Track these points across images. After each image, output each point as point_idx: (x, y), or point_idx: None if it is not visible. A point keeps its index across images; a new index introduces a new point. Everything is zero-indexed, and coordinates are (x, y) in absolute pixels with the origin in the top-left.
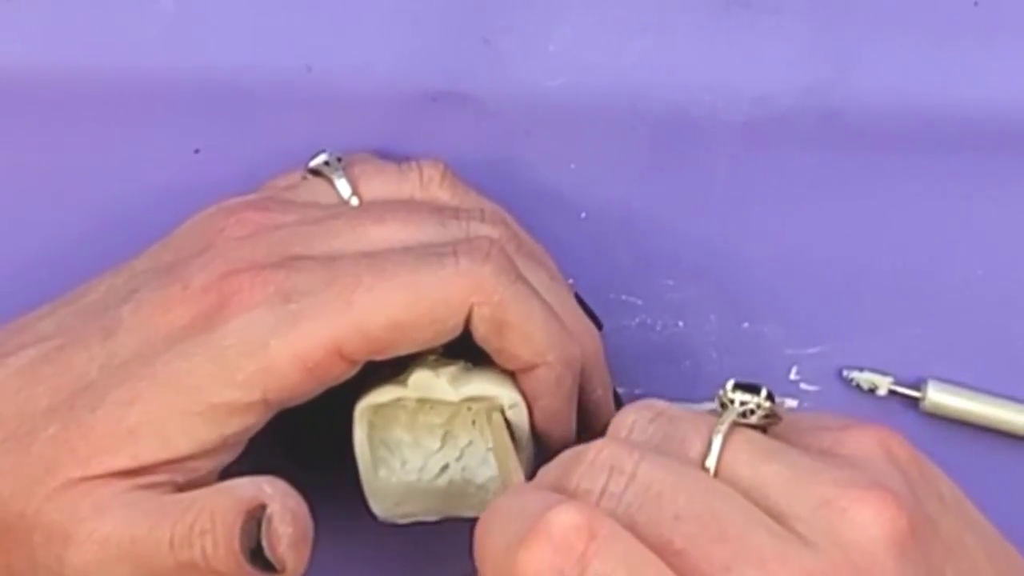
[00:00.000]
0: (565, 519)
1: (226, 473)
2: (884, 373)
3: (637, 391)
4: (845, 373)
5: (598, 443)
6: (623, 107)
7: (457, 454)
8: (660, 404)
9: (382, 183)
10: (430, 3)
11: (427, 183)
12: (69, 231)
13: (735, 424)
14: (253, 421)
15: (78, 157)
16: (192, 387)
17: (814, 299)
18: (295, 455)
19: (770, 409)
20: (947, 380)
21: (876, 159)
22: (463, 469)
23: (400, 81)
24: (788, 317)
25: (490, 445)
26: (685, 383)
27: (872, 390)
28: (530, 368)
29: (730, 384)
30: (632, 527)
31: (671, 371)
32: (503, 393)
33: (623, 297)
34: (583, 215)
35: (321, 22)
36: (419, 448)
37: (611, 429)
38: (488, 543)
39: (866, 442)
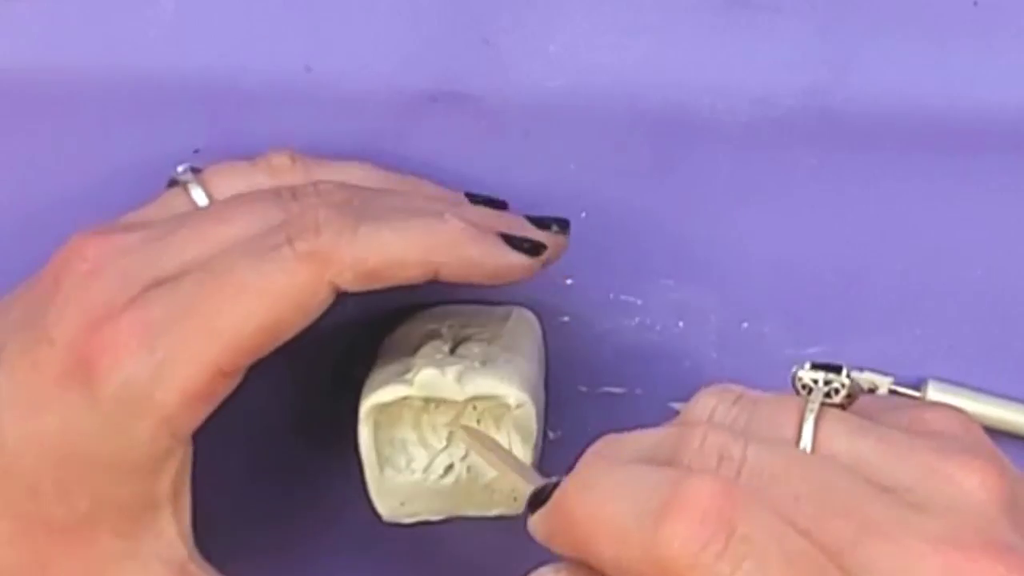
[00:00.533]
0: (704, 489)
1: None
2: (884, 373)
3: (637, 391)
4: None
5: (698, 428)
6: (623, 107)
7: (462, 453)
8: (737, 388)
9: (234, 181)
10: (430, 3)
11: (277, 170)
12: (69, 231)
13: (822, 404)
14: (173, 452)
15: (78, 157)
16: (93, 453)
17: (814, 299)
18: (300, 455)
19: (851, 387)
20: (947, 380)
21: (876, 159)
22: (468, 468)
23: (400, 81)
24: (788, 317)
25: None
26: (685, 383)
27: (872, 390)
28: (438, 271)
29: (808, 364)
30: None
31: (671, 371)
32: (510, 392)
33: (623, 297)
34: (583, 215)
35: (321, 22)
36: (424, 447)
37: (690, 412)
38: (607, 520)
39: (943, 417)
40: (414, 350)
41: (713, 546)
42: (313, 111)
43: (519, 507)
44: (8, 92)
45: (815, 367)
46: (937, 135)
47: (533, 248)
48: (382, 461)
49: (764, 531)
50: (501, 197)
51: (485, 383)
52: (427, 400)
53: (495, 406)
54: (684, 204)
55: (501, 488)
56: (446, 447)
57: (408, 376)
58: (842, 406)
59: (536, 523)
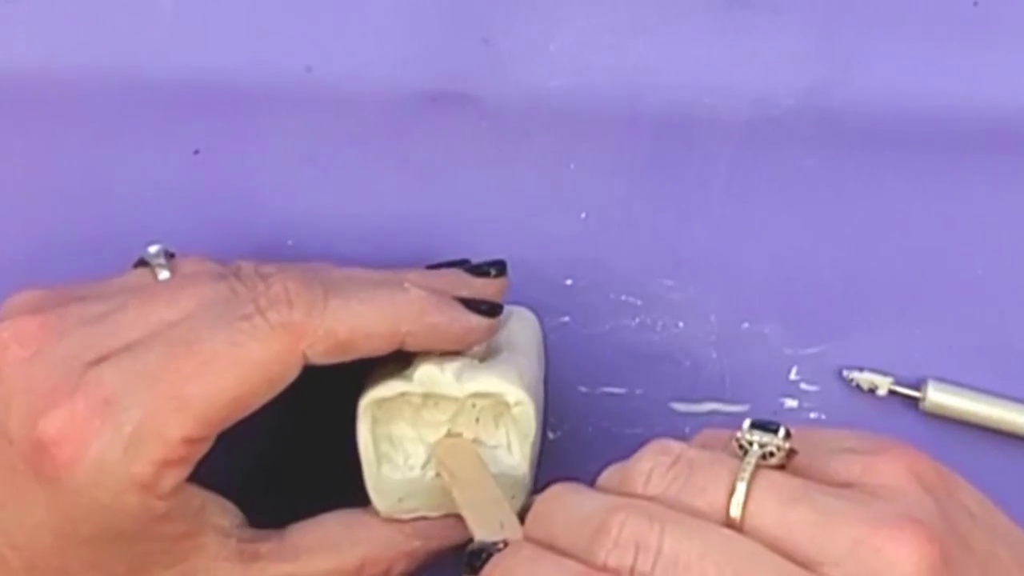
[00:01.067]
0: None
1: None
2: (884, 373)
3: (637, 391)
4: (845, 373)
5: (618, 515)
6: (623, 107)
7: None
8: (676, 447)
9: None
10: (430, 3)
11: (247, 280)
12: (69, 231)
13: (757, 467)
14: (172, 497)
15: (78, 157)
16: (96, 532)
17: (814, 299)
18: (298, 451)
19: (790, 448)
20: (947, 380)
21: (876, 159)
22: None
23: (400, 81)
24: (788, 317)
25: (495, 443)
26: (685, 383)
27: (872, 390)
28: (404, 340)
29: (746, 425)
30: None
31: (671, 371)
32: (509, 390)
33: (623, 297)
34: (583, 215)
35: (321, 22)
36: (422, 443)
37: (628, 475)
38: None
39: (894, 469)
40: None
41: None
42: (313, 111)
43: (517, 503)
44: (8, 92)
45: (754, 427)
46: (937, 135)
47: (490, 309)
48: (380, 457)
49: None
50: (505, 202)
51: (484, 381)
52: (426, 396)
53: (494, 404)
54: (684, 204)
55: (501, 484)
56: None
57: (408, 372)
58: (781, 466)
59: None
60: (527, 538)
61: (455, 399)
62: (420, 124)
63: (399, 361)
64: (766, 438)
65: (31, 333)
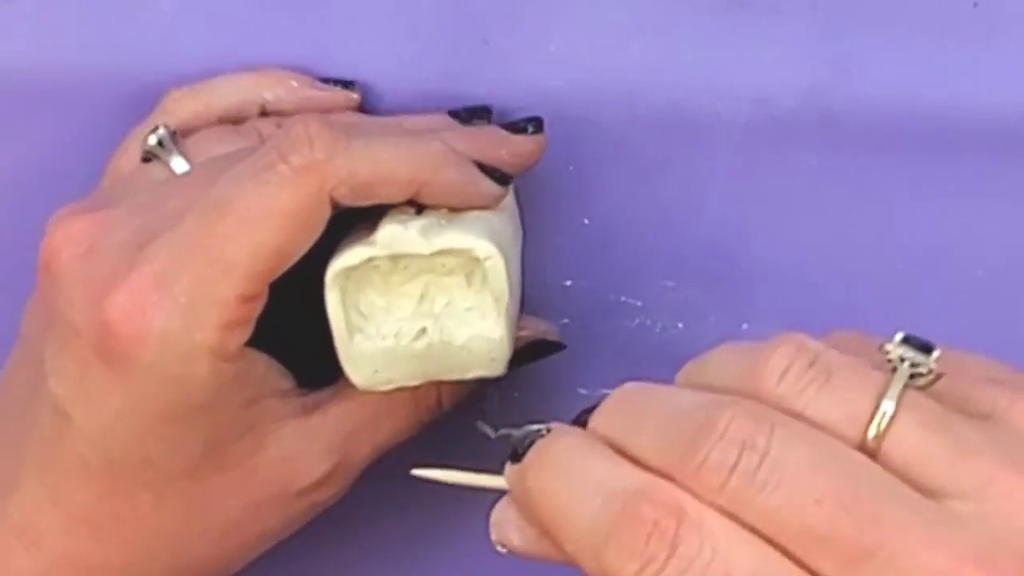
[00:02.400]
0: (655, 507)
1: None
2: None
3: None
4: None
5: (730, 408)
6: (623, 107)
7: (434, 315)
8: (814, 346)
9: (219, 150)
10: (430, 3)
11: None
12: None
13: (905, 387)
14: (238, 359)
15: (78, 157)
16: (171, 409)
17: (814, 299)
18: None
19: (940, 370)
20: None
21: (876, 160)
22: (441, 331)
23: (400, 81)
24: (788, 317)
25: (468, 305)
26: None
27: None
28: (420, 191)
29: (898, 338)
30: (768, 511)
31: (671, 372)
32: (478, 244)
33: (622, 298)
34: (583, 216)
35: (321, 22)
36: (393, 311)
37: (757, 369)
38: (562, 514)
39: None
40: (379, 219)
41: (652, 567)
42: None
43: (497, 367)
44: (8, 92)
45: (905, 341)
46: (937, 135)
47: (502, 178)
48: (351, 329)
49: (722, 551)
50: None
51: (451, 236)
52: (394, 261)
53: (465, 262)
54: (684, 204)
55: (477, 349)
56: (416, 310)
57: (372, 238)
58: (924, 387)
59: (509, 478)
60: (592, 433)
61: (421, 257)
62: None
63: (366, 230)
64: (920, 358)
65: (82, 230)
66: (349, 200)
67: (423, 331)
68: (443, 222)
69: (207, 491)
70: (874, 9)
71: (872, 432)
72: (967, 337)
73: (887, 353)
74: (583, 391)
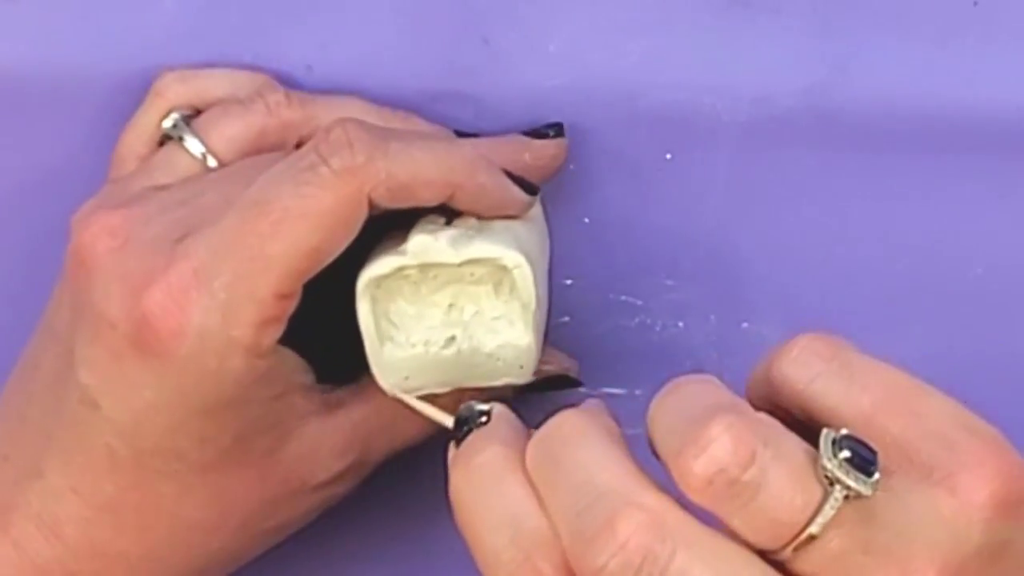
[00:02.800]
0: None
1: None
2: None
3: (637, 391)
4: None
5: (636, 515)
6: (623, 107)
7: (463, 323)
8: (750, 444)
9: (230, 125)
10: (430, 3)
11: (275, 109)
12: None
13: (835, 511)
14: (270, 356)
15: (78, 157)
16: (204, 403)
17: (814, 299)
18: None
19: (877, 484)
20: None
21: (876, 159)
22: (470, 338)
23: (400, 81)
24: (788, 317)
25: (496, 313)
26: None
27: None
28: (454, 195)
29: (843, 455)
30: None
31: (671, 372)
32: (506, 254)
33: (623, 297)
34: (583, 216)
35: (321, 22)
36: (423, 319)
37: (690, 464)
38: (475, 532)
39: (978, 496)
40: (409, 229)
41: None
42: None
43: (525, 375)
44: (8, 92)
45: (848, 460)
46: (937, 135)
47: (529, 188)
48: (382, 336)
49: None
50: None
51: (479, 246)
52: (424, 270)
53: (493, 271)
54: (684, 204)
55: (505, 357)
56: (446, 318)
57: (402, 247)
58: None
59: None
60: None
61: (451, 266)
62: None
63: (395, 240)
64: (857, 482)
65: (118, 225)
66: (387, 202)
67: (452, 339)
68: (472, 232)
69: (230, 484)
70: (874, 9)
71: (790, 549)
72: (966, 336)
73: (824, 469)
74: (583, 390)
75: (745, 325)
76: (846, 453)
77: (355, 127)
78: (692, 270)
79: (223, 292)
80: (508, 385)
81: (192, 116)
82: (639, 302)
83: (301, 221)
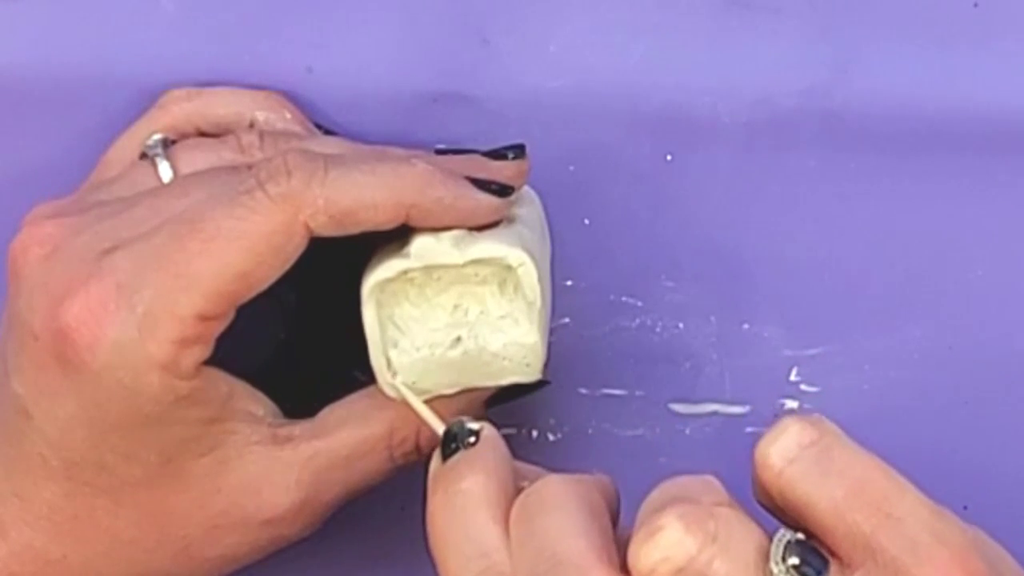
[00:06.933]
0: None
1: None
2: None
3: (638, 392)
4: None
5: None
6: (623, 107)
7: (468, 324)
8: (711, 524)
9: (201, 158)
10: (430, 3)
11: (248, 149)
12: None
13: None
14: (193, 377)
15: (78, 157)
16: (124, 417)
17: (814, 300)
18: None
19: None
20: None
21: (876, 160)
22: (476, 338)
23: (400, 81)
24: (788, 318)
25: (501, 312)
26: (685, 384)
27: None
28: (409, 214)
29: (792, 561)
30: None
31: (671, 372)
32: (511, 253)
33: (623, 299)
34: (583, 217)
35: (321, 22)
36: (428, 322)
37: (637, 552)
38: (444, 559)
39: None
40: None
41: None
42: (313, 111)
43: (532, 373)
44: (8, 92)
45: (796, 568)
46: (937, 135)
47: (501, 189)
48: (388, 341)
49: None
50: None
51: (483, 246)
52: (427, 273)
53: (497, 272)
54: (684, 204)
55: (512, 355)
56: (451, 319)
57: (405, 250)
58: None
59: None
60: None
61: (455, 267)
62: (420, 124)
63: (399, 242)
64: (806, 570)
65: (49, 233)
66: (331, 229)
67: (458, 340)
68: (475, 233)
69: (167, 505)
70: (874, 9)
71: None
72: (966, 337)
73: (771, 573)
74: (583, 391)
75: (746, 326)
76: (794, 560)
77: (296, 155)
78: (692, 271)
79: (142, 306)
80: (514, 384)
81: (174, 141)
82: (639, 303)
83: (231, 243)
